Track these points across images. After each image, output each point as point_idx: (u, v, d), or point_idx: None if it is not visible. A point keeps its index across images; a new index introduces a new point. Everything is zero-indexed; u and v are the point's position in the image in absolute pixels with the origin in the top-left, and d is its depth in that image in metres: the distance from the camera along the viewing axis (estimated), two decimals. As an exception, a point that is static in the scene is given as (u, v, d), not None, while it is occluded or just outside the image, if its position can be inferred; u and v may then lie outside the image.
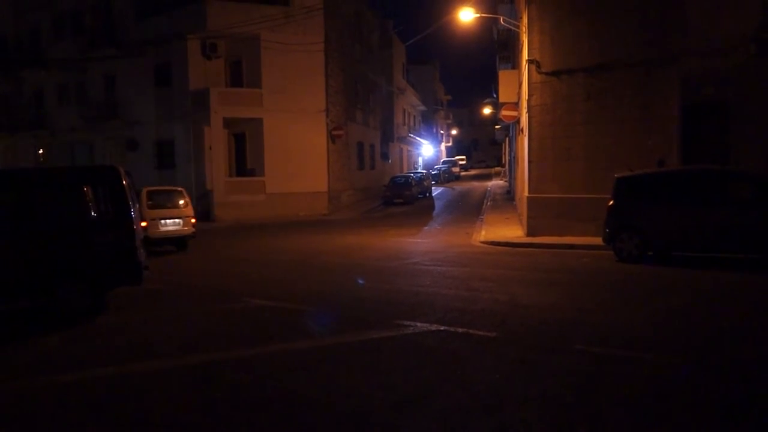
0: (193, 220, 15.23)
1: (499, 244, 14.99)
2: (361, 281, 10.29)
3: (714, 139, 13.37)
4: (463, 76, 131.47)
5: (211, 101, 23.40)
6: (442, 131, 72.77)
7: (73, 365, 6.11)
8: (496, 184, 44.74)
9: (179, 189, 15.90)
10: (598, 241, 12.45)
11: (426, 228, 20.15)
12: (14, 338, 7.43)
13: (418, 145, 55.76)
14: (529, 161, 15.48)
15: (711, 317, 7.34)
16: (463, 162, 63.35)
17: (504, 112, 20.91)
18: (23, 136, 31.72)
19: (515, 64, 22.84)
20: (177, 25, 24.04)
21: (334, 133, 26.66)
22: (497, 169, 65.27)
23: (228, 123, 24.38)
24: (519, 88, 19.36)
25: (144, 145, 26.36)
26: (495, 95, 33.95)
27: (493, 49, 35.22)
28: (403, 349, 6.29)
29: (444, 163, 59.09)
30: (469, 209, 26.75)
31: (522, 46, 17.08)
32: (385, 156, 39.87)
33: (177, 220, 14.88)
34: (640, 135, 13.92)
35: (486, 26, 31.46)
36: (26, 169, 11.32)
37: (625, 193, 11.77)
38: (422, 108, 56.51)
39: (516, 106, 20.30)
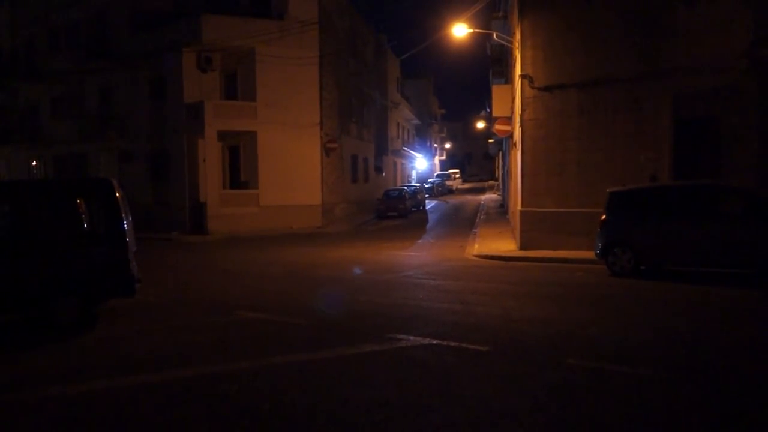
0: None
1: (492, 257, 15.02)
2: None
3: (705, 154, 13.50)
4: (457, 91, 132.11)
5: (206, 114, 23.38)
6: (435, 145, 73.07)
7: (63, 378, 6.06)
8: (489, 197, 44.91)
9: None
10: (591, 255, 12.49)
11: (419, 241, 20.17)
12: (3, 351, 7.36)
13: (411, 159, 55.92)
14: (522, 175, 15.56)
15: (703, 332, 7.37)
16: (457, 175, 63.53)
17: (497, 127, 21.06)
18: (17, 148, 31.58)
19: (508, 79, 23.02)
20: (172, 38, 24.07)
21: (328, 146, 26.72)
22: (490, 182, 65.53)
23: (222, 135, 24.37)
24: (512, 103, 19.50)
25: (138, 157, 26.29)
26: (488, 110, 34.19)
27: (486, 63, 35.55)
28: (397, 362, 6.28)
29: (438, 176, 59.24)
30: (462, 223, 26.80)
31: (515, 61, 17.23)
32: (378, 169, 39.94)
33: None
34: (632, 150, 14.04)
35: (480, 41, 31.78)
36: (19, 182, 11.28)
37: (618, 207, 11.84)
38: (416, 122, 56.74)
39: (509, 120, 20.44)
